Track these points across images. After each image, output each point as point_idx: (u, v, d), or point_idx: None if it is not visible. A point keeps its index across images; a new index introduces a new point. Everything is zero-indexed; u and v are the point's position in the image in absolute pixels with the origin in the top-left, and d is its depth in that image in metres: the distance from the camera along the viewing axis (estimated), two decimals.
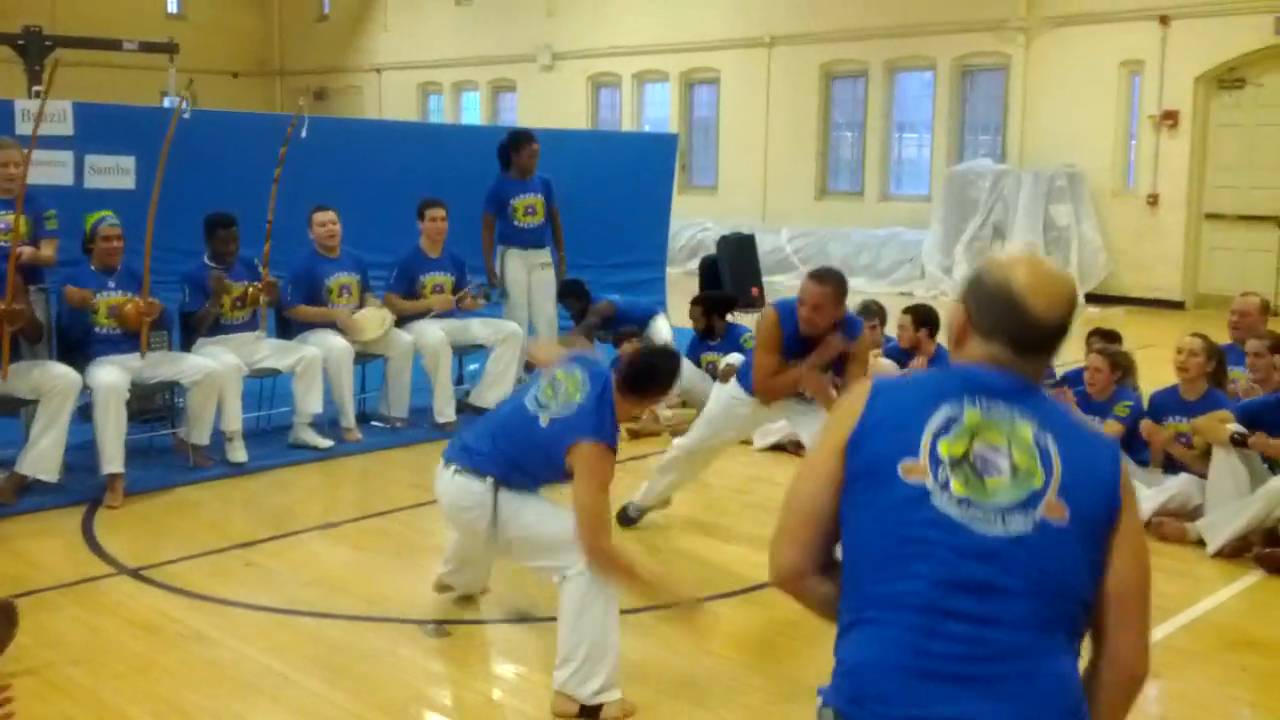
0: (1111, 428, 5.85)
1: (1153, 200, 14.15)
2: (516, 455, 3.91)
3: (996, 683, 1.83)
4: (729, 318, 8.30)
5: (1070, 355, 7.81)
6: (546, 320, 8.43)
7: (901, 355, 7.01)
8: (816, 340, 5.06)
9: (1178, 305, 13.98)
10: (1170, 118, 13.85)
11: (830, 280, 5.01)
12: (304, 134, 7.75)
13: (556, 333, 8.55)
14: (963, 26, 15.59)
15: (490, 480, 3.90)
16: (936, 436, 1.93)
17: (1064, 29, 14.75)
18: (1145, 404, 6.11)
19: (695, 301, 8.43)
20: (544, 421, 3.87)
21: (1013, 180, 14.65)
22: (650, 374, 4.01)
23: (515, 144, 8.38)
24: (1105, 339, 6.58)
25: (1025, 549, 1.86)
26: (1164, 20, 13.77)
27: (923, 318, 7.12)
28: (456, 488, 3.96)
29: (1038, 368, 2.01)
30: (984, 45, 15.63)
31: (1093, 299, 14.19)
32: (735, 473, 6.74)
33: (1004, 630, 1.84)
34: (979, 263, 2.09)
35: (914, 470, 1.92)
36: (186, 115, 7.00)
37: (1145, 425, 5.84)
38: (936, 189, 15.99)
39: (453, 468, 3.98)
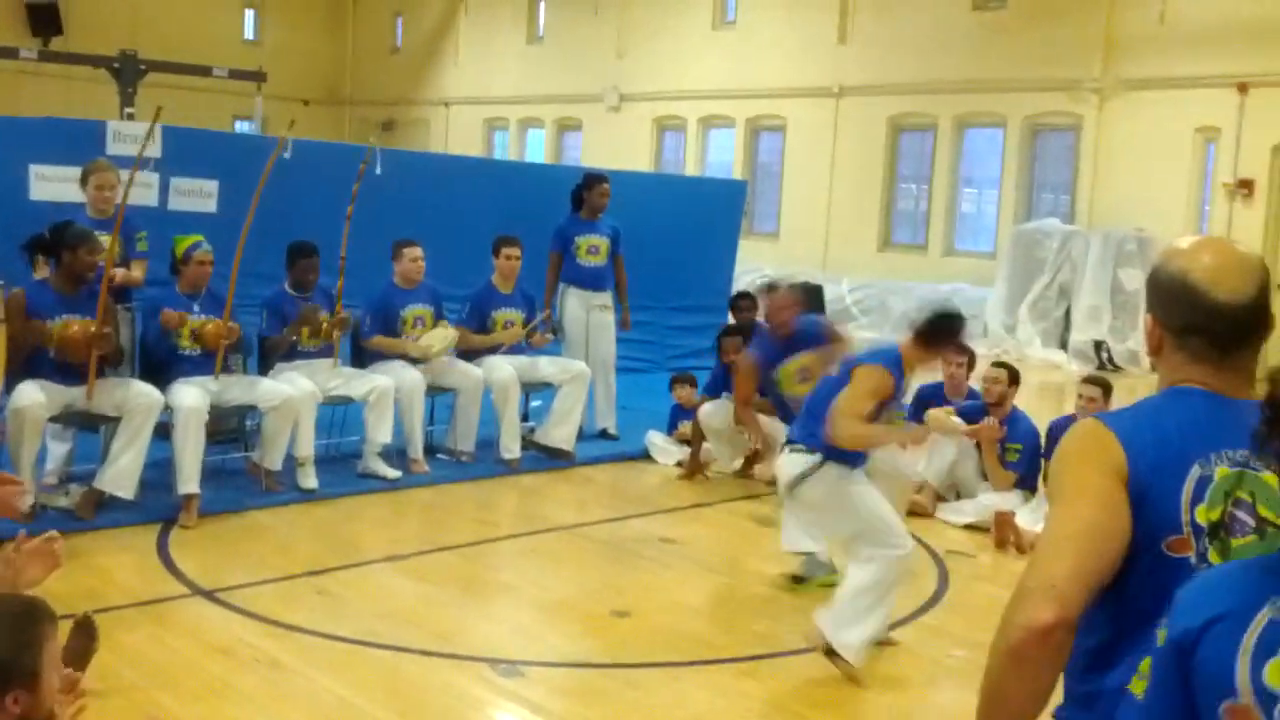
0: None
1: None
2: None
3: None
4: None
5: None
6: (602, 362, 8.38)
7: (978, 411, 6.88)
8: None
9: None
10: (1245, 186, 13.70)
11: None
12: (378, 170, 7.82)
13: (613, 374, 8.50)
14: (1035, 85, 15.55)
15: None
16: (1193, 505, 1.79)
17: (1139, 92, 14.67)
18: None
19: (731, 332, 7.91)
20: None
21: (1081, 241, 14.54)
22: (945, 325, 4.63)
23: (589, 183, 8.47)
24: None
25: None
26: (1242, 88, 13.65)
27: (1015, 376, 7.04)
28: None
29: (1246, 365, 1.86)
30: (1056, 105, 15.57)
31: None
32: None
33: None
34: (1156, 258, 1.95)
35: (1178, 545, 1.78)
36: (287, 155, 7.09)
37: None
38: (1002, 246, 15.90)
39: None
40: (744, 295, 8.72)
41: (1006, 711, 1.75)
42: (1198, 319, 1.83)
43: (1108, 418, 1.87)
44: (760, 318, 7.36)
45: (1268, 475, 1.79)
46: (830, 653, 4.37)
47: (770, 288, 7.14)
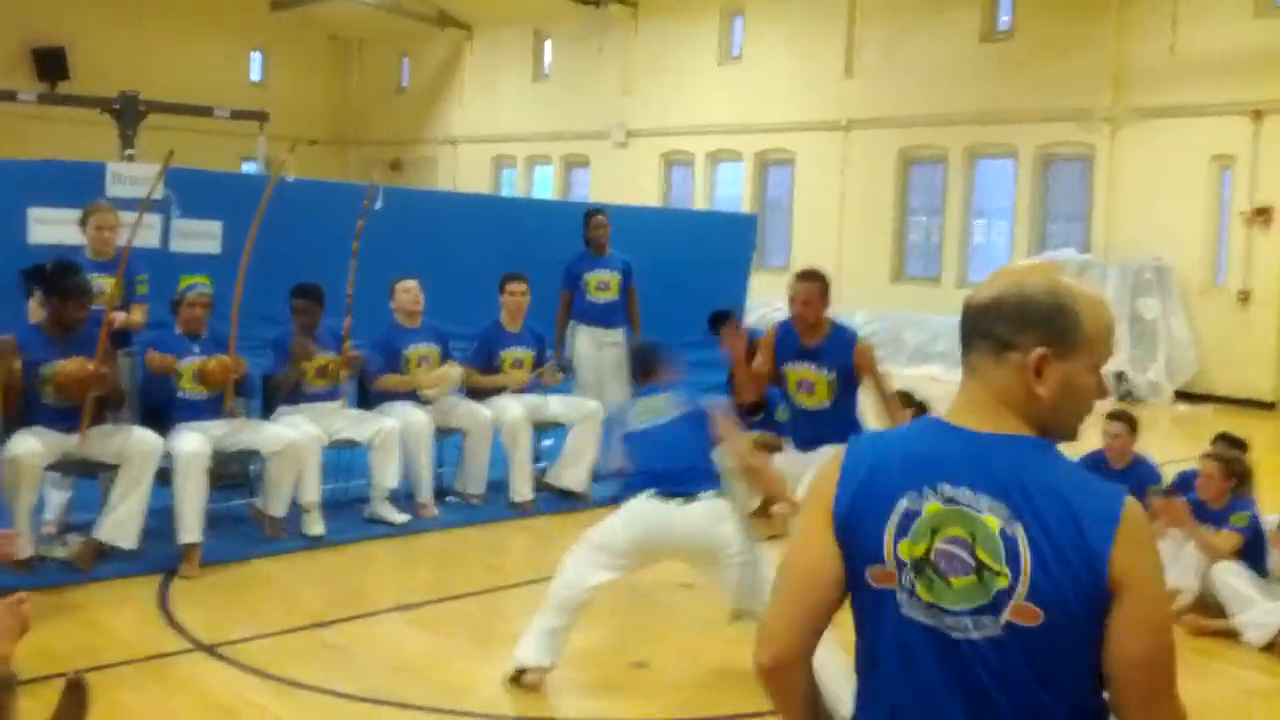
0: (1228, 540, 5.52)
1: (1244, 297, 13.77)
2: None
3: None
4: None
5: (1184, 452, 7.46)
6: (614, 400, 8.17)
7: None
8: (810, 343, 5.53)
9: (1268, 406, 13.51)
10: (1263, 214, 13.52)
11: (815, 277, 5.56)
12: (379, 206, 7.67)
13: None
14: (1045, 115, 15.42)
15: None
16: (896, 538, 1.77)
17: (1151, 121, 14.52)
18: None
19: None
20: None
21: (1098, 272, 14.34)
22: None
23: (585, 219, 8.42)
24: (1231, 445, 6.17)
25: (996, 653, 1.70)
26: (1257, 115, 13.50)
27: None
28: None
29: (990, 381, 1.77)
30: (1067, 135, 15.43)
31: (1181, 396, 13.81)
32: None
33: None
34: None
35: (881, 576, 1.78)
36: (290, 178, 6.97)
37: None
38: None
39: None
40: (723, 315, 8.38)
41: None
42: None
43: (859, 443, 1.89)
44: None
45: (989, 518, 1.71)
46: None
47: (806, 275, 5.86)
